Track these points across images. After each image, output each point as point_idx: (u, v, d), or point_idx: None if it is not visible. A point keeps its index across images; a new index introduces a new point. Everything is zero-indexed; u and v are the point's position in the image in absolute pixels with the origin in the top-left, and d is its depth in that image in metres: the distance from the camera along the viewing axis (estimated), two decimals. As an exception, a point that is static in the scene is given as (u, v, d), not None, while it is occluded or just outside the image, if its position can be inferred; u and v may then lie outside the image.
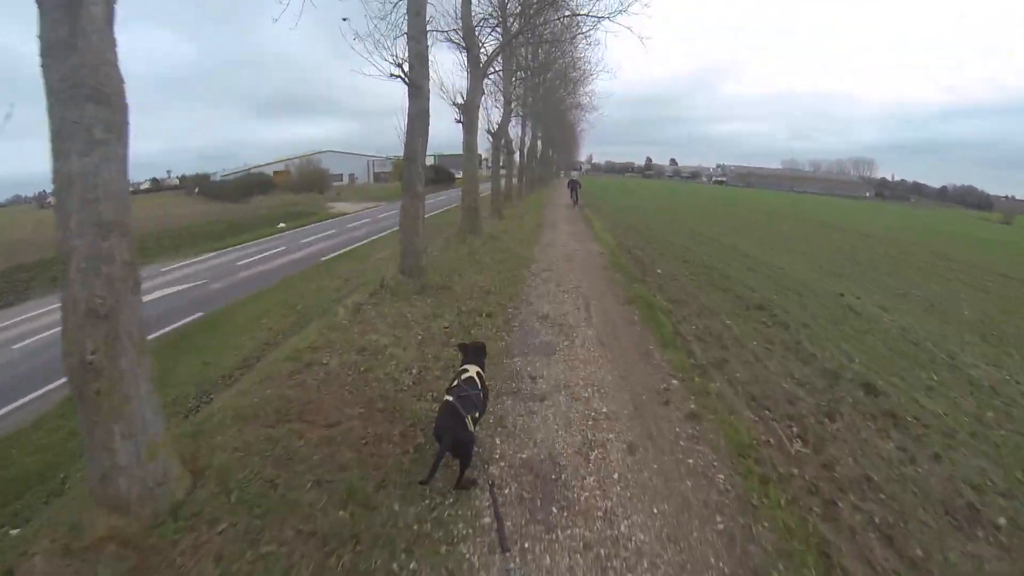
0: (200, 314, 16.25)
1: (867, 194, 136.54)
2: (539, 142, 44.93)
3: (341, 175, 77.70)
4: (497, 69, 20.96)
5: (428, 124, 10.69)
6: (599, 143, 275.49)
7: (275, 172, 72.60)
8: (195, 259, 25.53)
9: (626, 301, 10.20)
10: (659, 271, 13.80)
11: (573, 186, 36.45)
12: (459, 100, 15.86)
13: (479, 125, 17.40)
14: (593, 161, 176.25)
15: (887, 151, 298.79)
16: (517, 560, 3.52)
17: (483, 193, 26.99)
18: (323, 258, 24.57)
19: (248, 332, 13.67)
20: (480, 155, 28.18)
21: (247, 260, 24.94)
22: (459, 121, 15.73)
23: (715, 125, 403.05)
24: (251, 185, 64.71)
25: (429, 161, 74.46)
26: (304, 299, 16.36)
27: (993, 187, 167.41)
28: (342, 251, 26.35)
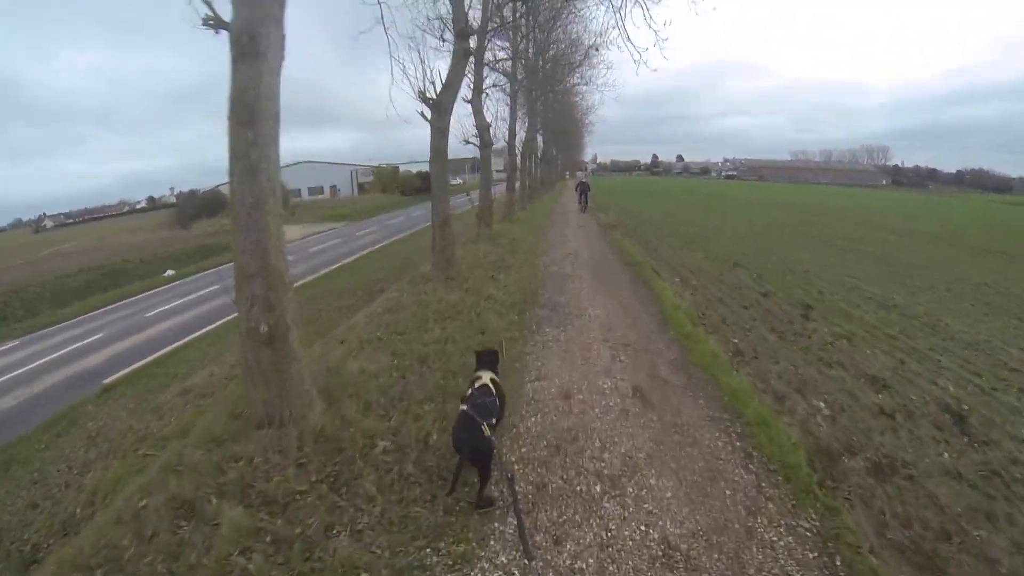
0: None
1: (883, 182, 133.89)
2: (539, 139, 41.24)
3: (321, 188, 73.31)
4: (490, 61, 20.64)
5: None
6: (602, 143, 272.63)
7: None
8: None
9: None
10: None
11: (583, 189, 33.57)
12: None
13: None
14: (598, 160, 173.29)
15: (895, 138, 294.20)
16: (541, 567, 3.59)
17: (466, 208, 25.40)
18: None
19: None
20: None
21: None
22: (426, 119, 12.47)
23: (719, 121, 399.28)
24: (201, 206, 57.58)
25: (418, 168, 72.99)
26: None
27: (1007, 169, 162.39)
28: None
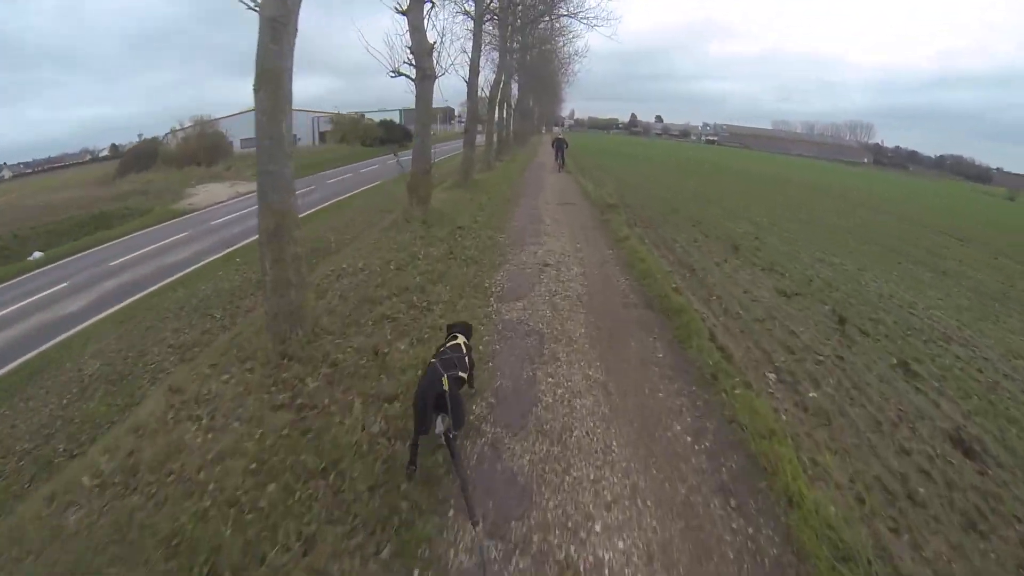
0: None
1: (864, 160, 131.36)
2: (514, 88, 34.86)
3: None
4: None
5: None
6: (581, 98, 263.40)
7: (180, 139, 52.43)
8: None
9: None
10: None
11: (559, 146, 29.26)
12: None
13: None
14: (576, 117, 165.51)
15: (875, 117, 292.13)
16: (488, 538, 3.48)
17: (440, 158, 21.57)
18: None
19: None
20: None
21: None
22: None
23: (700, 83, 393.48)
24: (137, 158, 48.65)
25: (388, 117, 66.42)
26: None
27: (984, 157, 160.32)
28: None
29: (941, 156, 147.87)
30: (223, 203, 28.62)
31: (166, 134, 52.94)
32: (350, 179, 34.41)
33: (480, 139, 25.67)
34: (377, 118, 65.17)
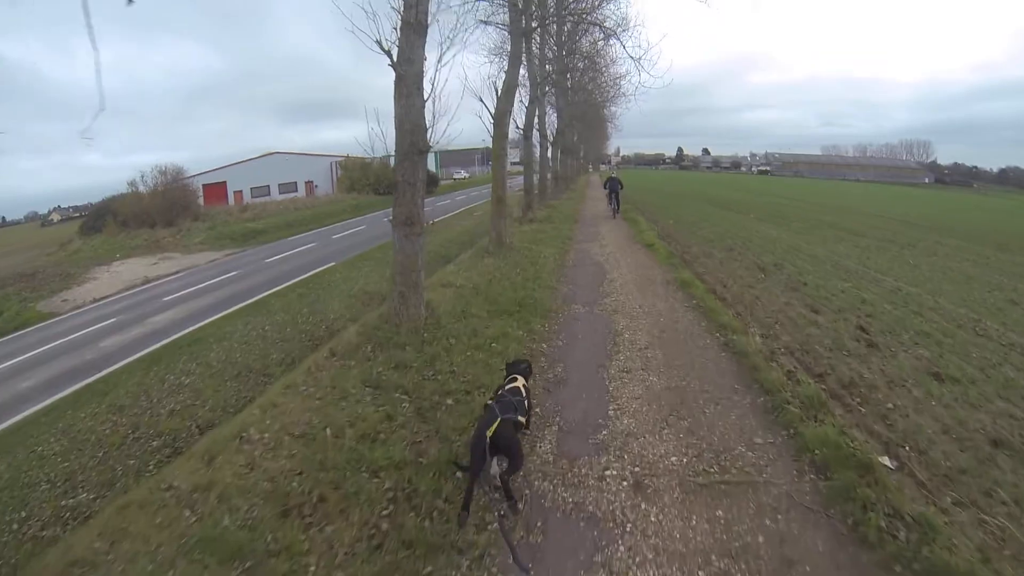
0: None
1: (925, 179, 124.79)
2: (557, 125, 33.80)
3: (295, 184, 56.87)
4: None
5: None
6: (625, 136, 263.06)
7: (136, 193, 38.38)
8: None
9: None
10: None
11: (613, 187, 25.86)
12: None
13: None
14: (622, 153, 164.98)
15: (920, 134, 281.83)
16: None
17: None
18: None
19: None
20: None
21: None
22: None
23: (742, 114, 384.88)
24: (96, 216, 38.19)
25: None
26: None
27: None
28: None
29: (1003, 169, 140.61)
30: (110, 298, 19.91)
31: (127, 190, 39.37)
32: (292, 258, 24.19)
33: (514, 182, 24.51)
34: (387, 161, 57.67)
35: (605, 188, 27.96)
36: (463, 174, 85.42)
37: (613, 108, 42.38)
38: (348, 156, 53.53)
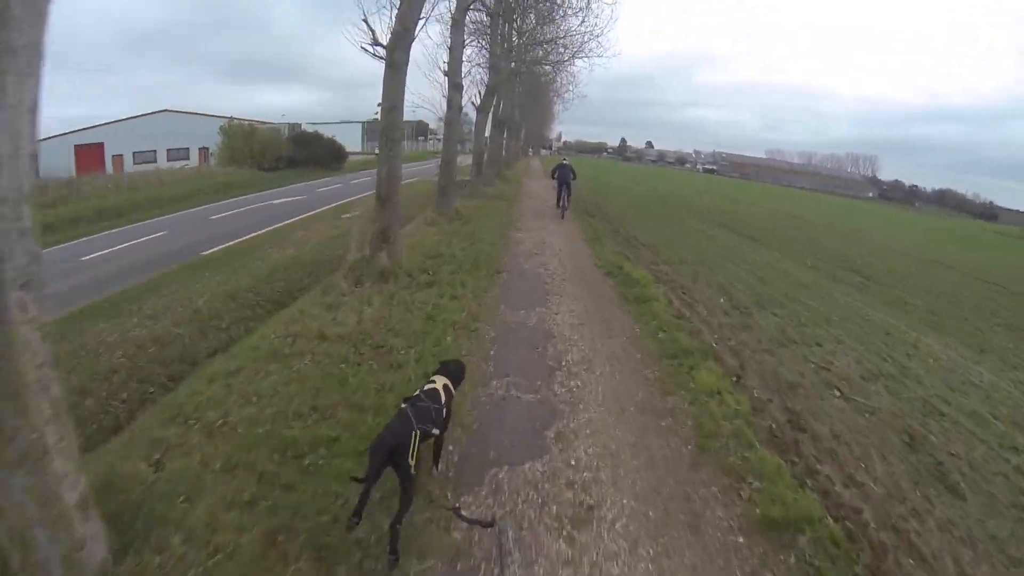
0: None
1: (869, 194, 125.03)
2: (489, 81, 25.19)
3: (187, 151, 44.70)
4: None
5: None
6: (566, 121, 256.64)
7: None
8: None
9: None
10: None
11: (563, 177, 18.55)
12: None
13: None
14: (563, 139, 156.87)
15: (860, 148, 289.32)
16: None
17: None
18: None
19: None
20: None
21: None
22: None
23: (686, 111, 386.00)
24: None
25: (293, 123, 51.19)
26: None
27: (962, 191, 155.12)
28: None
29: (940, 190, 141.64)
30: None
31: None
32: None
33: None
34: (277, 127, 46.71)
35: (553, 178, 20.19)
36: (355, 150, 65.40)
37: (564, 77, 34.16)
38: (232, 120, 40.72)
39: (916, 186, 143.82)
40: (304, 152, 39.32)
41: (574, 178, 18.79)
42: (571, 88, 34.74)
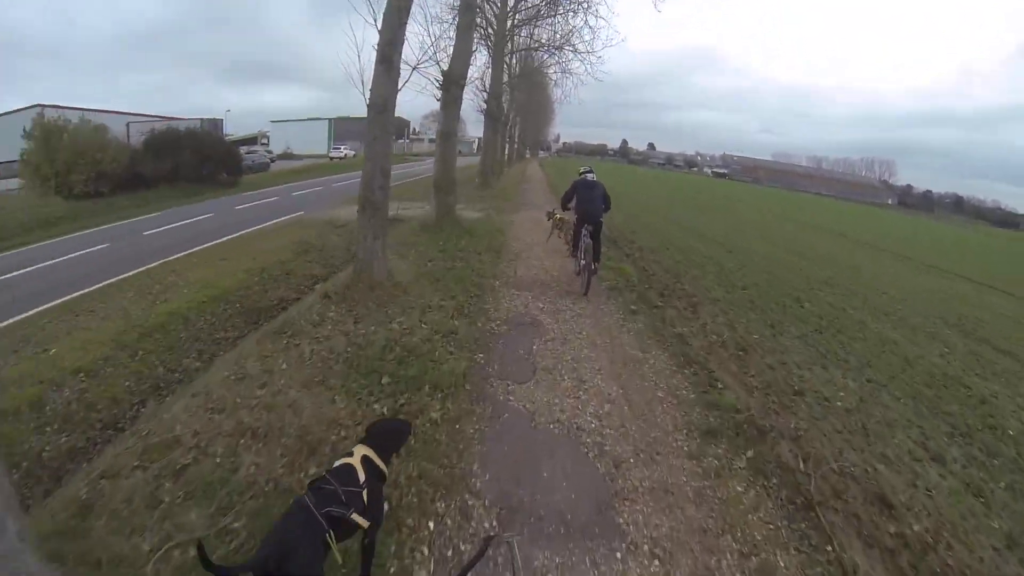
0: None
1: (888, 200, 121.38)
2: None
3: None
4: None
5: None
6: (566, 123, 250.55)
7: None
8: None
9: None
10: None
11: (590, 212, 9.11)
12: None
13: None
14: (562, 141, 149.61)
15: (855, 151, 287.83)
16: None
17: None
18: None
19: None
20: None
21: None
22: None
23: (685, 113, 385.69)
24: None
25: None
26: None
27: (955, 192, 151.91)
28: None
29: (960, 197, 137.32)
30: None
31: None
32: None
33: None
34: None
35: (566, 207, 10.13)
36: (344, 152, 57.68)
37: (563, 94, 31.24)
38: (44, 112, 27.80)
39: (930, 191, 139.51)
40: (166, 162, 26.75)
41: (607, 209, 9.48)
42: (571, 88, 32.67)
